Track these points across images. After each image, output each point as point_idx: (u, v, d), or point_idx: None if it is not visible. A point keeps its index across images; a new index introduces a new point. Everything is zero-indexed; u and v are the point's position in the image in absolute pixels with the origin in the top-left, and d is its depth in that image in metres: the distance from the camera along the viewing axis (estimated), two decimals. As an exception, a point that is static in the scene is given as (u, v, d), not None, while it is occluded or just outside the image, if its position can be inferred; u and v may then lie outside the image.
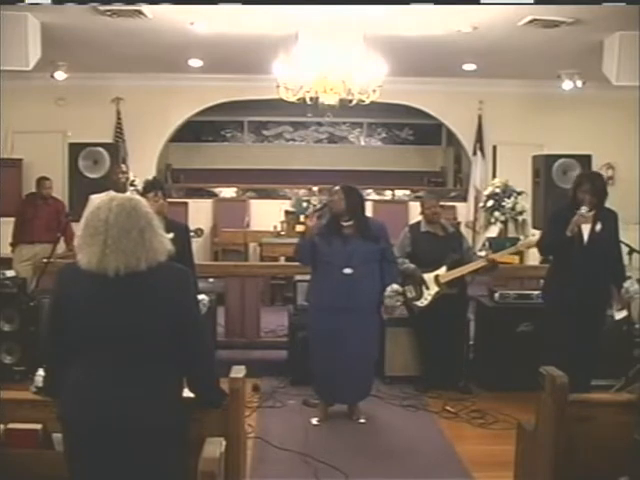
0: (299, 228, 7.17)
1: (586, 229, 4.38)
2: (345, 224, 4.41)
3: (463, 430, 4.45)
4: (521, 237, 6.98)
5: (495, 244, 6.88)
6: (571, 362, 3.88)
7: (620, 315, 4.70)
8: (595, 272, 4.35)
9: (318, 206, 4.39)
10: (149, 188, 4.28)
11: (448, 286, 5.00)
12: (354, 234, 4.39)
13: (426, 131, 12.06)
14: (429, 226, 5.18)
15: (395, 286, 4.40)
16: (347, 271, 4.31)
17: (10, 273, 5.54)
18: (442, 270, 5.02)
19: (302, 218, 4.79)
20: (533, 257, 6.74)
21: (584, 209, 4.31)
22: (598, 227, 4.40)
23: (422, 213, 5.25)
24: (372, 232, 4.41)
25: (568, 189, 4.95)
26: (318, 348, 4.45)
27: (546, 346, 4.49)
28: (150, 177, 5.12)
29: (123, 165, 5.95)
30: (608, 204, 4.51)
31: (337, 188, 4.47)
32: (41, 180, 7.12)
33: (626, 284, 4.37)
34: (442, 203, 5.94)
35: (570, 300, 4.34)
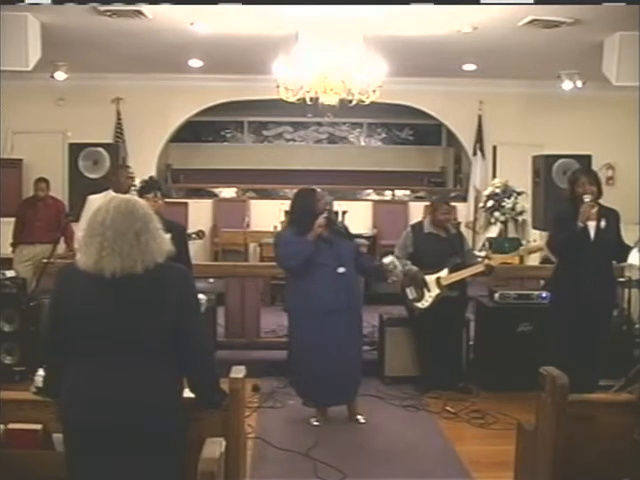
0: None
1: (592, 226, 4.39)
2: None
3: (463, 430, 4.45)
4: (523, 241, 6.97)
5: (495, 244, 6.90)
6: (574, 361, 3.89)
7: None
8: (602, 270, 4.38)
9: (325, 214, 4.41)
10: (148, 189, 4.26)
11: (449, 289, 5.01)
12: (330, 234, 4.39)
13: (426, 131, 12.03)
14: (433, 228, 5.18)
15: (392, 257, 4.58)
16: (341, 270, 4.33)
17: (10, 273, 5.54)
18: (444, 272, 5.01)
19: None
20: (533, 257, 6.74)
21: (587, 197, 4.33)
22: (602, 224, 4.41)
23: (431, 214, 5.23)
24: (344, 229, 4.61)
25: (564, 189, 4.95)
26: (312, 352, 4.34)
27: (547, 345, 4.49)
28: (147, 177, 5.06)
29: (129, 169, 5.80)
30: (608, 204, 4.51)
31: (321, 191, 4.50)
32: (36, 182, 7.10)
33: None
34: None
35: (579, 298, 4.34)
